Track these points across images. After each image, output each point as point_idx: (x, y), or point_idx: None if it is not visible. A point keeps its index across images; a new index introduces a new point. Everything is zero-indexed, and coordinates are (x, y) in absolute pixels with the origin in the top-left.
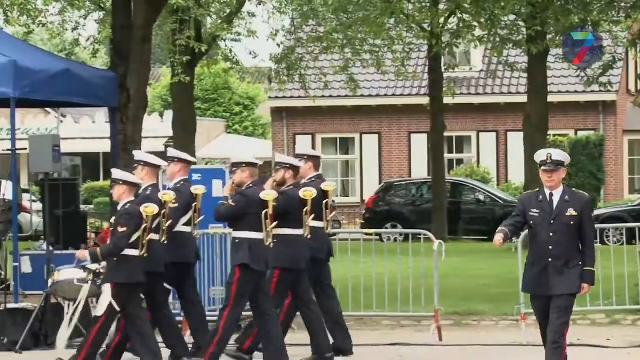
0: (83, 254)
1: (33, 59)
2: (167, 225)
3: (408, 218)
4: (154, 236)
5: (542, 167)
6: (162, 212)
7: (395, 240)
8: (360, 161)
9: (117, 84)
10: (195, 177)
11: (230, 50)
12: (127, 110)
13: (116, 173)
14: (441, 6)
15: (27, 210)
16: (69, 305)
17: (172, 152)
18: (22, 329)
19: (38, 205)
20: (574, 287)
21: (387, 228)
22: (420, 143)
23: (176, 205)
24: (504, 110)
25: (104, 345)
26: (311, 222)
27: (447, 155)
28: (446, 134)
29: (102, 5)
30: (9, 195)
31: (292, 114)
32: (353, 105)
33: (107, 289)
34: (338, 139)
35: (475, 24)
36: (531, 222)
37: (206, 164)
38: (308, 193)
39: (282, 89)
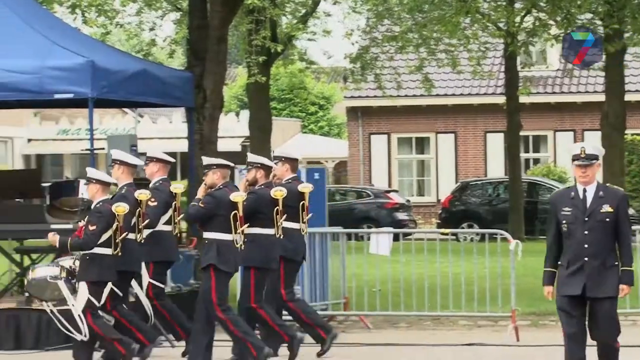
0: (54, 238)
1: (110, 60)
2: (144, 224)
3: (484, 218)
4: (130, 235)
5: (576, 162)
6: (138, 211)
7: (472, 240)
8: (435, 160)
9: (193, 84)
10: None
11: (305, 51)
12: (203, 110)
13: (90, 172)
14: (517, 5)
15: None
16: (48, 305)
17: (151, 152)
18: None
19: None
20: (613, 290)
21: (463, 228)
22: (496, 142)
23: (155, 204)
24: (581, 109)
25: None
26: (287, 224)
27: (523, 155)
28: (522, 133)
29: (179, 6)
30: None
31: (368, 114)
32: (428, 105)
33: (82, 286)
34: (413, 139)
35: (551, 22)
36: (563, 222)
37: None
38: (279, 192)
39: (358, 88)
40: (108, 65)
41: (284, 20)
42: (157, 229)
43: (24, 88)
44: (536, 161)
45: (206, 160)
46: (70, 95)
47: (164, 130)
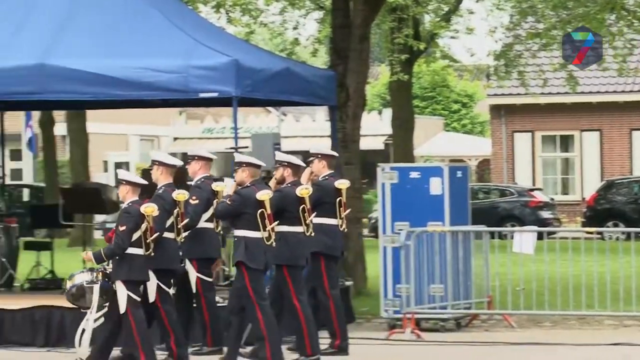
0: (89, 256)
1: (254, 59)
2: (182, 224)
3: (630, 216)
4: (168, 234)
5: None
6: (177, 211)
7: (617, 239)
8: (580, 159)
9: (336, 82)
10: (414, 174)
11: (448, 48)
12: (346, 109)
13: (121, 173)
14: None
15: None
16: (90, 312)
17: (193, 151)
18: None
19: None
20: None
21: (608, 226)
22: None
23: (197, 202)
24: None
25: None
26: (325, 220)
27: None
28: None
29: (322, 5)
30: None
31: (511, 111)
32: (573, 102)
33: (119, 285)
34: (558, 137)
35: None
36: None
37: (425, 161)
38: (304, 191)
39: (501, 86)
40: (252, 64)
41: (427, 18)
42: (199, 226)
43: (169, 87)
44: None
45: (237, 157)
46: (215, 94)
47: (307, 129)
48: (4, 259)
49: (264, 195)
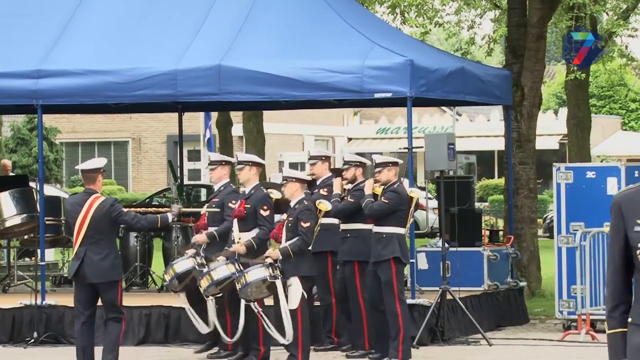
0: (276, 253)
1: (429, 59)
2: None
3: None
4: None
5: None
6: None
7: None
8: None
9: (511, 82)
10: (590, 174)
11: (626, 47)
12: (521, 108)
13: (287, 172)
14: None
15: (423, 208)
16: (255, 306)
17: (317, 152)
18: (420, 324)
19: (434, 203)
20: None
21: None
22: None
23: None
24: None
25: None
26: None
27: None
28: None
29: (498, 4)
30: None
31: None
32: None
33: (295, 281)
34: None
35: None
36: (638, 245)
37: (601, 161)
38: (415, 193)
39: None
40: (426, 64)
41: (604, 16)
42: (325, 221)
43: (344, 88)
44: None
45: (377, 159)
46: (389, 95)
47: (482, 129)
48: None
49: (416, 192)
